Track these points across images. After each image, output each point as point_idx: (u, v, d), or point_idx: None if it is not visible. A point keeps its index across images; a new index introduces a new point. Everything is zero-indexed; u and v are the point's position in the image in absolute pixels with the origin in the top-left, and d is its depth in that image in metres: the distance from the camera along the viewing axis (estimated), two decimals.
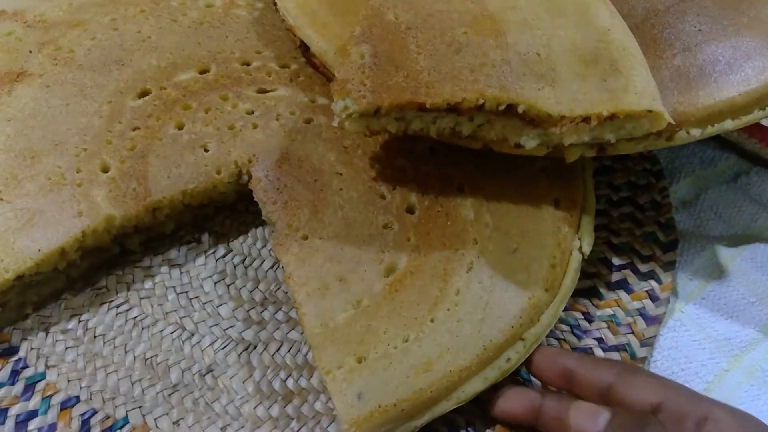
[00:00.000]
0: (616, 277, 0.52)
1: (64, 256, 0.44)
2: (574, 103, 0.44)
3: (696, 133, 0.47)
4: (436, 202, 0.49)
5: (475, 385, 0.42)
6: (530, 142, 0.45)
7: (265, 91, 0.54)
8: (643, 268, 0.53)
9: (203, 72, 0.55)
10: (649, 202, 0.57)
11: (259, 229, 0.52)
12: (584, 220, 0.50)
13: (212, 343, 0.46)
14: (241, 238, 0.52)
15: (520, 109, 0.43)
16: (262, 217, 0.48)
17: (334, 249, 0.45)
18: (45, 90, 0.51)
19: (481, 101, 0.43)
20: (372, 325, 0.42)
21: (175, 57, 0.55)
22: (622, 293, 0.52)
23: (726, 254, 0.55)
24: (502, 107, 0.43)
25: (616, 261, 0.53)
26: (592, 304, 0.51)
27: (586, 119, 0.44)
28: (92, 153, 0.48)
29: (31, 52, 0.54)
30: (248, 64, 0.56)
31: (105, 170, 0.47)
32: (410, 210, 0.48)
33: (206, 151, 0.49)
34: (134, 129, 0.50)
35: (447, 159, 0.51)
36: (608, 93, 0.44)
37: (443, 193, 0.50)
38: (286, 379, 0.45)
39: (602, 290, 0.52)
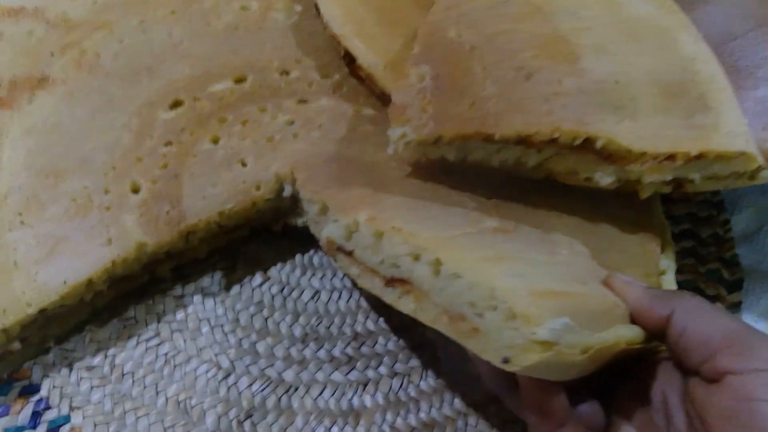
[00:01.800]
0: None
1: (91, 287, 0.40)
2: (658, 140, 0.40)
3: None
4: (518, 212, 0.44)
5: None
6: (605, 179, 0.41)
7: (305, 102, 0.50)
8: None
9: (239, 81, 0.50)
10: (711, 235, 0.53)
11: (298, 257, 0.49)
12: (667, 247, 0.45)
13: (250, 385, 0.42)
14: (278, 265, 0.48)
15: (598, 145, 0.39)
16: (308, 220, 0.44)
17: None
18: (69, 99, 0.47)
19: (556, 135, 0.39)
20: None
21: (209, 65, 0.51)
22: None
23: None
24: (578, 141, 0.39)
25: None
26: None
27: (669, 157, 0.40)
28: (122, 172, 0.44)
29: (52, 54, 0.49)
30: (287, 73, 0.52)
31: (135, 191, 0.43)
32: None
33: (244, 165, 0.45)
34: (166, 144, 0.46)
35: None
36: (696, 130, 0.40)
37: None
38: (331, 427, 0.41)
39: None
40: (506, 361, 0.31)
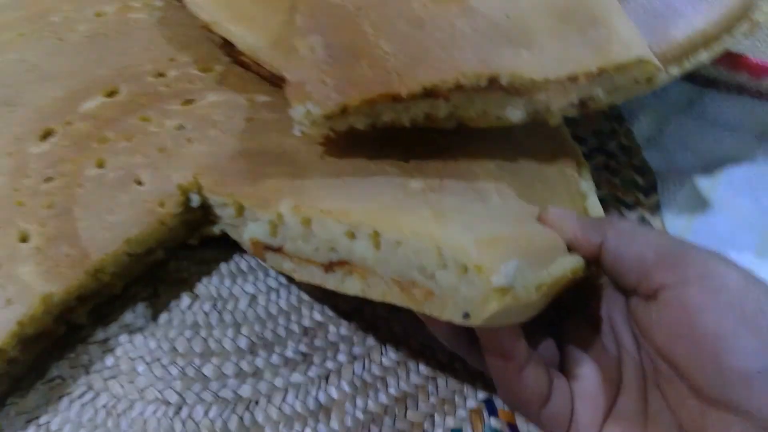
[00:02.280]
0: None
1: (1, 356, 0.35)
2: (558, 64, 0.39)
3: (675, 71, 0.45)
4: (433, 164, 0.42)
5: None
6: (516, 113, 0.41)
7: (192, 102, 0.46)
8: (631, 215, 0.51)
9: (112, 94, 0.46)
10: (618, 147, 0.55)
11: (223, 265, 0.45)
12: (582, 170, 0.45)
13: (206, 412, 0.39)
14: (204, 280, 0.45)
15: (503, 81, 0.38)
16: (223, 223, 0.42)
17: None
18: None
19: (461, 80, 0.38)
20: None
21: (73, 83, 0.46)
22: None
23: (705, 185, 0.53)
24: (483, 82, 0.38)
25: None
26: None
27: (572, 79, 0.40)
28: (4, 221, 0.39)
29: None
30: (163, 75, 0.48)
31: (24, 240, 0.39)
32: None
33: (140, 184, 0.41)
34: (47, 180, 0.41)
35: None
36: (592, 47, 0.40)
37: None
38: (303, 429, 0.39)
39: None
40: (467, 316, 0.30)
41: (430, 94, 0.38)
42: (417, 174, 0.40)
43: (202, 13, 0.47)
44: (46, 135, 0.43)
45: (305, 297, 0.44)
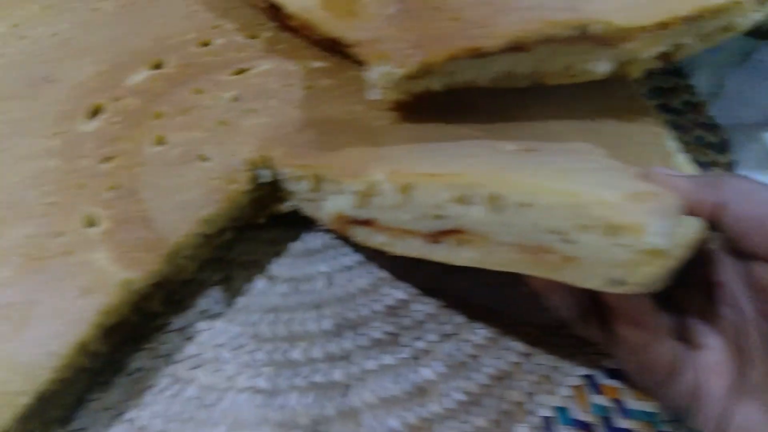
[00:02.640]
0: None
1: (84, 349, 0.32)
2: (650, 9, 0.37)
3: (757, 16, 0.43)
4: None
5: None
6: (602, 65, 0.38)
7: (243, 71, 0.43)
8: None
9: (157, 67, 0.43)
10: (684, 103, 0.53)
11: (292, 245, 0.43)
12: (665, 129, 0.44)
13: (301, 399, 0.36)
14: (276, 261, 0.42)
15: (594, 30, 0.36)
16: (296, 201, 0.40)
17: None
18: None
19: (551, 30, 0.35)
20: None
21: (114, 56, 0.42)
22: None
23: None
24: (572, 33, 0.36)
25: None
26: None
27: (663, 26, 0.37)
28: (66, 206, 0.35)
29: None
30: (208, 44, 0.44)
31: (91, 224, 0.35)
32: None
33: (205, 160, 0.38)
34: (105, 160, 0.38)
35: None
36: None
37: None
38: (403, 413, 0.37)
39: None
40: (618, 282, 0.27)
41: (515, 47, 0.36)
42: (503, 138, 0.38)
43: None
44: (95, 112, 0.40)
45: (383, 274, 0.42)
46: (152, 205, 0.36)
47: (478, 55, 0.36)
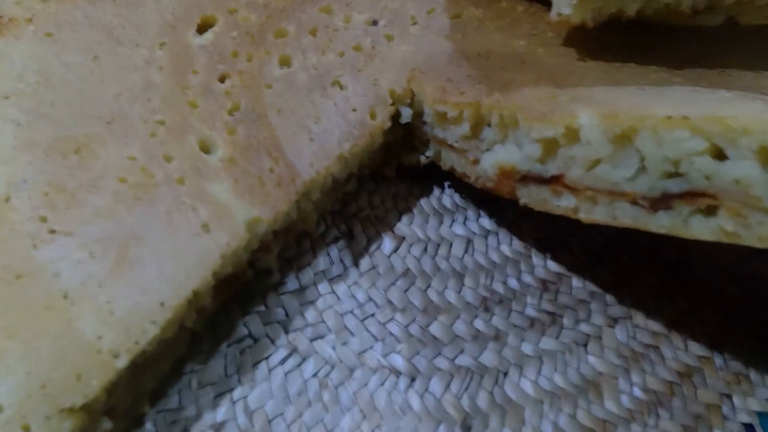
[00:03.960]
0: None
1: (196, 302, 0.25)
2: None
3: None
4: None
5: None
6: None
7: None
8: None
9: None
10: None
11: (423, 202, 0.35)
12: None
13: (448, 386, 0.29)
14: (404, 219, 0.35)
15: None
16: (434, 160, 0.33)
17: None
18: (48, 41, 0.30)
19: None
20: None
21: None
22: None
23: None
24: None
25: None
26: None
27: None
28: (177, 126, 0.28)
29: None
30: None
31: (207, 150, 0.28)
32: None
33: (342, 88, 0.31)
34: (222, 78, 0.31)
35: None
36: None
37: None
38: (575, 410, 0.29)
39: None
40: None
41: None
42: (708, 84, 0.30)
43: None
44: (207, 25, 0.33)
45: (530, 241, 0.34)
46: (283, 133, 0.29)
47: None
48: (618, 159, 0.25)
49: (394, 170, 0.35)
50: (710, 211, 0.24)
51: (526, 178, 0.29)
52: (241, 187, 0.27)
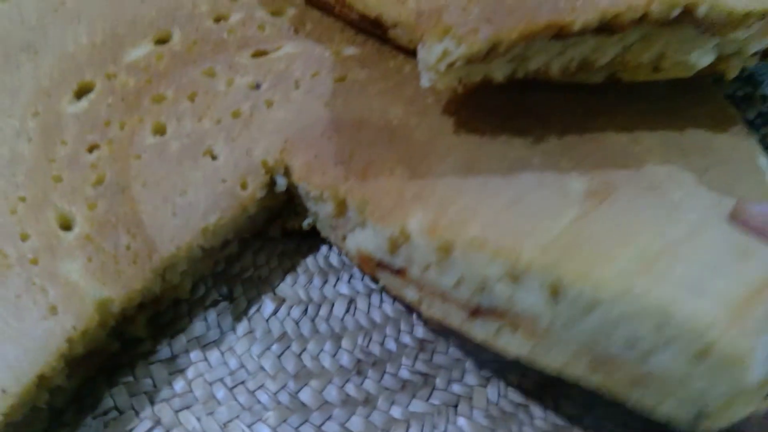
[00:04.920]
0: None
1: (44, 385, 0.26)
2: None
3: None
4: (570, 126, 0.33)
5: None
6: (703, 58, 0.31)
7: (263, 53, 0.36)
8: None
9: (162, 41, 0.36)
10: (757, 115, 0.46)
11: (309, 260, 0.36)
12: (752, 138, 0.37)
13: None
14: (288, 279, 0.35)
15: (701, 12, 0.29)
16: (318, 222, 0.33)
17: (474, 187, 0.29)
18: None
19: (653, 7, 0.28)
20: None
21: (112, 25, 0.36)
22: None
23: None
24: (676, 12, 0.29)
25: None
26: None
27: None
28: (36, 202, 0.29)
29: None
30: (225, 18, 0.38)
31: (65, 226, 0.29)
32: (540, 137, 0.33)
33: (214, 158, 0.32)
34: (91, 149, 0.31)
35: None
36: None
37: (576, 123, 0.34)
38: None
39: None
40: (702, 416, 0.21)
41: (606, 27, 0.29)
42: (567, 161, 0.31)
43: None
44: (83, 91, 0.33)
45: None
46: (146, 207, 0.29)
47: (560, 34, 0.29)
48: (442, 267, 0.26)
49: (279, 231, 0.35)
50: (512, 327, 0.25)
51: (381, 265, 0.29)
52: (93, 265, 0.27)
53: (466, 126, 0.33)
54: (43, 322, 0.26)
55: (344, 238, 0.31)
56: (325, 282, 0.35)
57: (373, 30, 0.37)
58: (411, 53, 0.37)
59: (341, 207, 0.30)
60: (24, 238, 0.28)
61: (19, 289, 0.26)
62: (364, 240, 0.29)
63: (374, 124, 0.33)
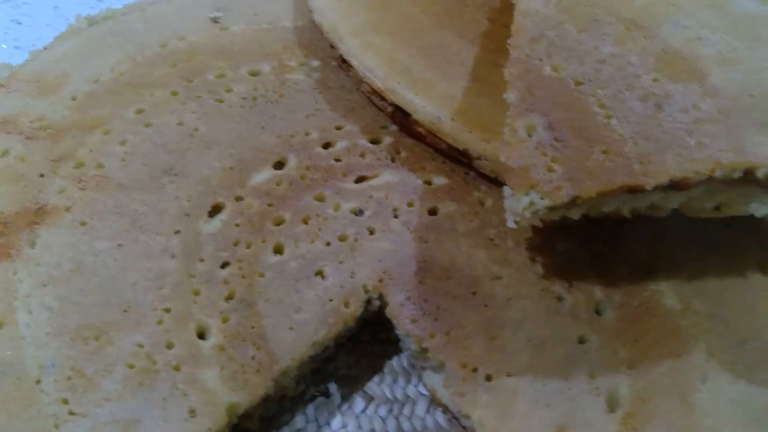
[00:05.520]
0: None
1: None
2: None
3: None
4: (628, 293, 0.38)
5: None
6: (762, 209, 0.35)
7: (365, 179, 0.42)
8: None
9: (280, 166, 0.42)
10: None
11: (395, 360, 0.40)
12: None
13: None
14: (376, 379, 0.39)
15: (761, 174, 0.33)
16: (402, 347, 0.38)
17: (534, 386, 0.34)
18: (82, 230, 0.37)
19: (717, 172, 0.32)
20: None
21: (239, 151, 0.42)
22: None
23: None
24: (738, 174, 0.33)
25: None
26: None
27: None
28: (180, 314, 0.34)
29: (43, 176, 0.39)
30: (332, 145, 0.43)
31: (202, 335, 0.34)
32: (599, 311, 0.38)
33: (324, 278, 0.37)
34: (224, 266, 0.36)
35: (619, 231, 0.40)
36: None
37: (632, 281, 0.39)
38: None
39: None
40: None
41: (674, 185, 0.33)
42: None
43: (376, 77, 0.43)
44: (215, 211, 0.39)
45: None
46: (269, 321, 0.34)
47: (633, 191, 0.33)
48: None
49: (370, 336, 0.40)
50: None
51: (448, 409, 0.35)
52: (226, 373, 0.32)
53: (539, 285, 0.38)
54: (185, 423, 0.31)
55: (422, 368, 0.36)
56: (408, 381, 0.39)
57: (460, 158, 0.42)
58: (493, 181, 0.42)
59: (423, 354, 0.35)
60: (169, 346, 0.33)
61: (165, 393, 0.31)
62: (437, 384, 0.34)
63: (460, 270, 0.38)
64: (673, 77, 0.35)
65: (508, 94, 0.36)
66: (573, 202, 0.33)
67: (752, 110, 0.35)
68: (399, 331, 0.37)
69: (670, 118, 0.34)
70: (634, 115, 0.34)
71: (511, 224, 0.34)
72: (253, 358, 0.33)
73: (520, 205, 0.33)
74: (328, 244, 0.38)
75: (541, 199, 0.33)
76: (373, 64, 0.43)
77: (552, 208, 0.33)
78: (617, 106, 0.35)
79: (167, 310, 0.34)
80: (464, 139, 0.41)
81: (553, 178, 0.33)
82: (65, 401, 0.31)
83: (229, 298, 0.35)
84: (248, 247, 0.37)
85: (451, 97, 0.42)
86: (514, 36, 0.37)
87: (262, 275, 0.36)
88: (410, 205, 0.40)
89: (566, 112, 0.35)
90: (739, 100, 0.35)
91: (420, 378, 0.37)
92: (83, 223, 0.37)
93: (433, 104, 0.42)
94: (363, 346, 0.40)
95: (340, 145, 0.43)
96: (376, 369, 0.40)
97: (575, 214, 0.35)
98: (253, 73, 0.47)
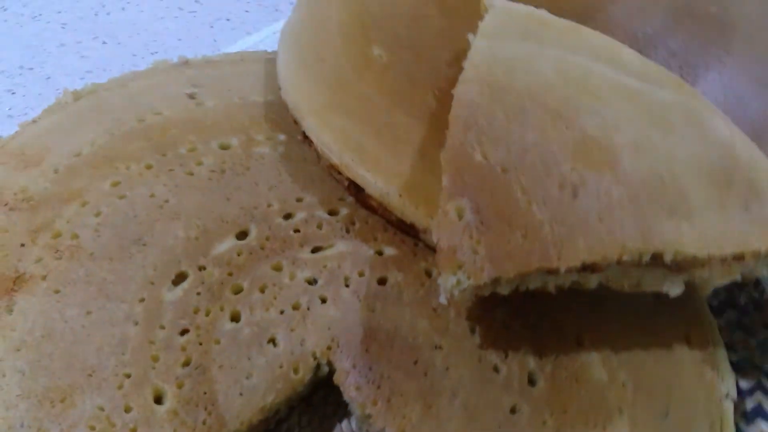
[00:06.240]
0: (750, 404, 0.46)
1: None
2: (722, 241, 0.38)
3: None
4: (558, 365, 0.42)
5: None
6: (673, 288, 0.39)
7: (320, 249, 0.45)
8: None
9: (242, 236, 0.45)
10: (749, 300, 0.52)
11: (345, 423, 0.43)
12: (719, 354, 0.43)
13: None
14: None
15: (667, 258, 0.36)
16: (351, 411, 0.40)
17: None
18: (55, 298, 0.40)
19: (624, 256, 0.36)
20: None
21: (204, 222, 0.45)
22: (763, 424, 0.45)
23: None
24: (645, 259, 0.36)
25: (744, 384, 0.47)
26: None
27: (738, 258, 0.37)
28: (139, 379, 0.37)
29: (23, 245, 0.43)
30: (291, 216, 0.47)
31: (159, 400, 0.37)
32: (533, 381, 0.41)
33: (275, 345, 0.40)
34: (183, 332, 0.40)
35: (551, 303, 0.44)
36: (758, 224, 0.38)
37: (563, 351, 0.42)
38: None
39: (743, 427, 0.45)
40: None
41: (587, 268, 0.37)
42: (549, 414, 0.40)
43: (331, 153, 0.47)
44: (179, 279, 0.42)
45: None
46: (220, 387, 0.38)
47: (549, 272, 0.37)
48: None
49: (321, 399, 0.43)
50: None
51: None
52: None
53: (476, 355, 0.41)
54: None
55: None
56: None
57: (408, 231, 0.46)
58: None
59: (366, 419, 0.38)
60: (127, 410, 0.36)
61: None
62: None
63: (404, 339, 0.41)
64: (589, 165, 0.39)
65: (443, 178, 0.39)
66: (497, 282, 0.37)
67: (662, 196, 0.38)
68: (345, 397, 0.40)
69: (584, 205, 0.37)
70: (552, 201, 0.38)
71: (443, 300, 0.38)
72: (204, 422, 0.36)
73: (449, 284, 0.37)
74: (282, 312, 0.41)
75: (468, 278, 0.36)
76: (330, 141, 0.47)
77: (478, 287, 0.37)
78: (538, 193, 0.38)
79: (128, 375, 0.37)
80: (411, 213, 0.45)
81: (477, 259, 0.36)
82: None
83: (186, 364, 0.38)
84: (207, 314, 0.40)
85: (400, 173, 0.46)
86: (450, 123, 0.41)
87: (218, 342, 0.39)
88: (361, 274, 0.44)
89: (492, 197, 0.38)
90: (649, 186, 0.38)
91: None
92: (57, 291, 0.40)
93: (383, 180, 0.45)
94: (315, 408, 0.43)
95: (299, 216, 0.47)
96: (327, 430, 0.43)
97: (504, 290, 0.38)
98: (223, 147, 0.51)
